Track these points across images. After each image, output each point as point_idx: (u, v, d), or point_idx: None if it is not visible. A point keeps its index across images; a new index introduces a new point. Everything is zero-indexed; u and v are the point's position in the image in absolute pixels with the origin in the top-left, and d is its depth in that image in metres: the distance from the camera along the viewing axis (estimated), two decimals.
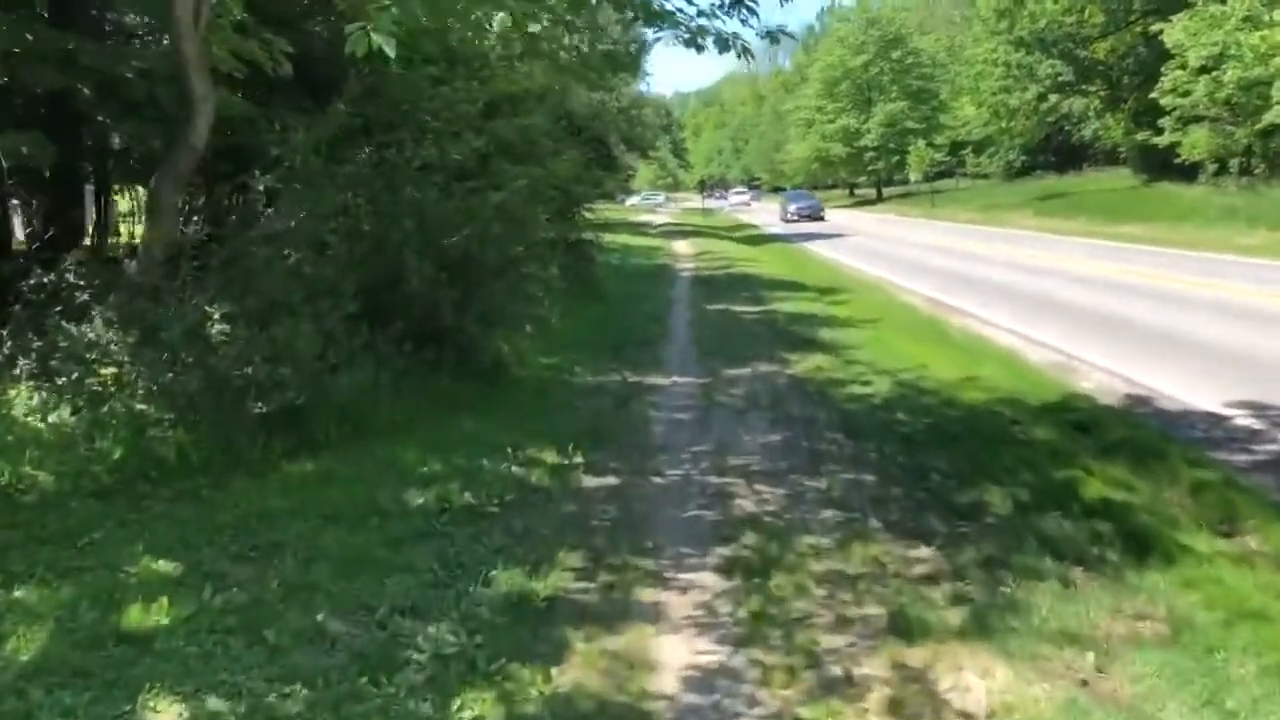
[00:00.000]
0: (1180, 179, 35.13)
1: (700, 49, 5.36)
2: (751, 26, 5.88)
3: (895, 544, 4.94)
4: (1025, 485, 5.73)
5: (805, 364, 9.77)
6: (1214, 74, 30.18)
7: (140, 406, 5.87)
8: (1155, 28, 33.22)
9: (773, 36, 6.71)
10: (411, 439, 6.69)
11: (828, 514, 5.42)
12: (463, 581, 4.46)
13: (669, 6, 5.37)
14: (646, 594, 4.44)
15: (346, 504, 5.39)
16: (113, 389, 5.97)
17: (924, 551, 4.84)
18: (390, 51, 4.51)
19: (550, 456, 6.48)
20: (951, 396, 8.09)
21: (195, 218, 10.65)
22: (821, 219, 47.33)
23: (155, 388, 5.92)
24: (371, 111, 8.22)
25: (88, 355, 6.00)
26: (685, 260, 26.63)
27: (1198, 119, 32.23)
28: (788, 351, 10.55)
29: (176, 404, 5.85)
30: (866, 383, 8.79)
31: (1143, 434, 6.83)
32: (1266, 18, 28.66)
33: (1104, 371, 9.22)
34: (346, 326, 6.76)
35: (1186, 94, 31.72)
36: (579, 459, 6.48)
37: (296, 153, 7.85)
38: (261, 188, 6.86)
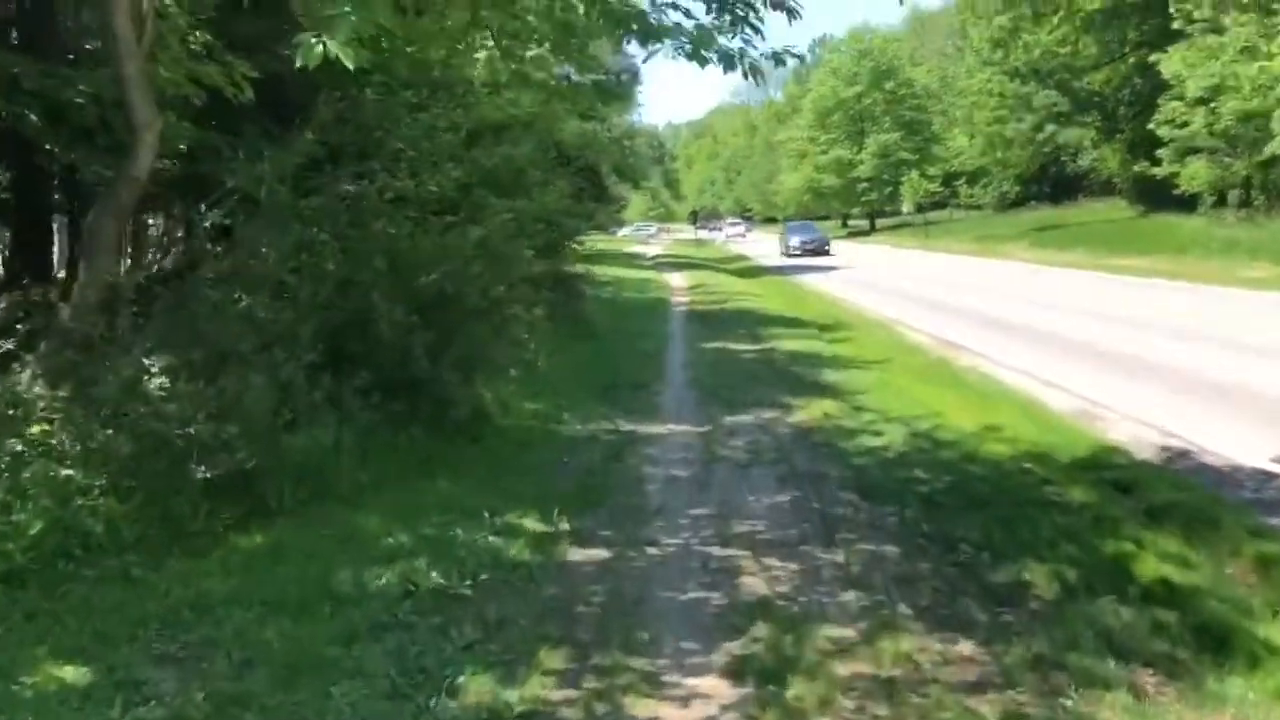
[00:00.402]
0: (1177, 210, 34.76)
1: (704, 62, 4.77)
2: (754, 47, 5.21)
3: (930, 637, 4.25)
4: (1070, 561, 5.05)
5: (810, 410, 9.10)
6: (1212, 105, 29.90)
7: (67, 471, 5.16)
8: (1153, 58, 32.92)
9: (778, 58, 6.12)
10: (377, 504, 6.00)
11: (848, 597, 4.74)
12: (423, 691, 3.76)
13: (667, 22, 4.77)
14: (641, 707, 3.74)
15: (296, 587, 4.68)
16: (38, 451, 5.27)
17: (965, 647, 4.16)
18: (349, 62, 3.88)
19: (532, 523, 5.80)
20: (972, 450, 7.42)
21: (164, 254, 10.07)
22: (827, 253, 43.23)
23: (85, 450, 5.23)
24: (339, 139, 7.58)
25: (10, 412, 5.31)
26: (679, 294, 26.03)
27: (1195, 150, 31.90)
28: (791, 396, 9.88)
29: (108, 469, 5.15)
30: (878, 433, 8.12)
31: (1191, 496, 6.15)
32: (1265, 49, 28.38)
33: (1132, 420, 8.57)
34: (306, 378, 6.10)
35: (1184, 125, 31.42)
36: (565, 525, 5.81)
37: (261, 183, 7.24)
38: (208, 224, 6.21)
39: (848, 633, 4.32)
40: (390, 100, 9.11)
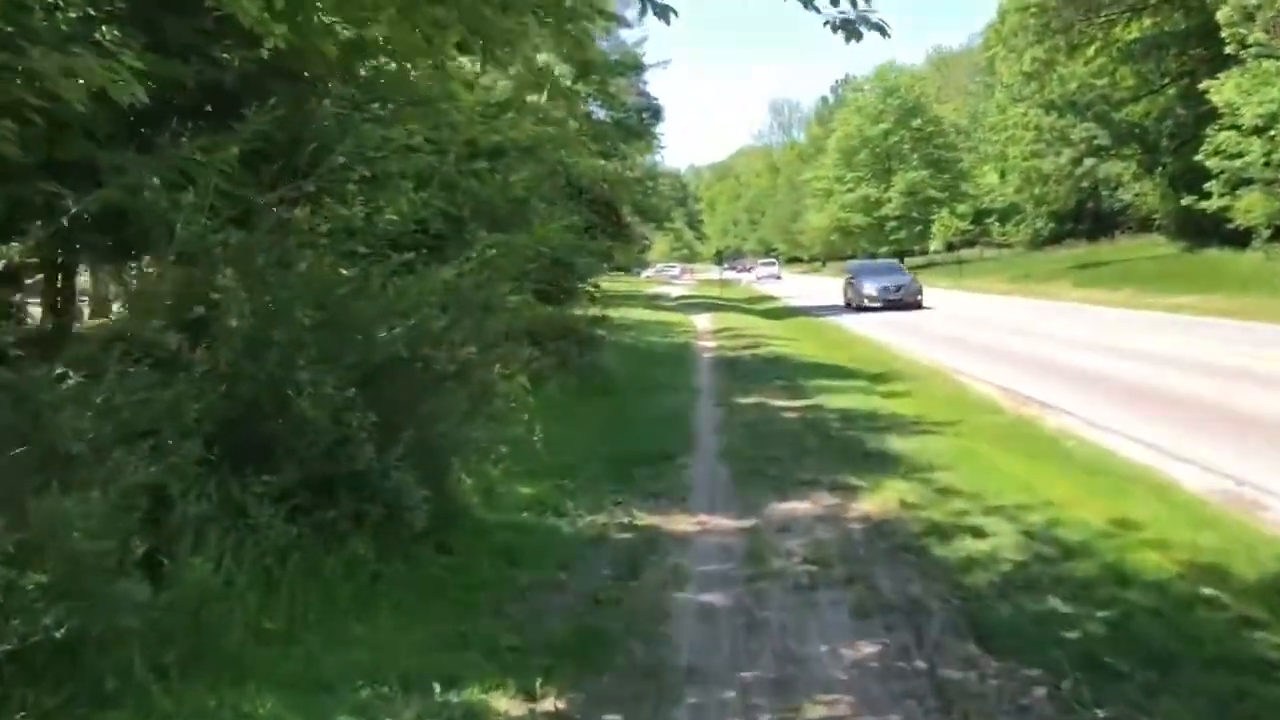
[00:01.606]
0: (1222, 245, 32.90)
1: None
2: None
3: None
4: None
5: (882, 494, 7.14)
6: (1270, 134, 28.05)
7: None
8: (1203, 86, 31.09)
9: (851, 28, 4.37)
10: (280, 667, 4.09)
11: None
12: None
13: None
14: None
15: None
16: None
17: None
18: None
19: (505, 702, 3.91)
20: (1116, 560, 5.45)
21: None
22: (918, 305, 31.02)
23: None
24: (266, 149, 5.78)
25: None
26: (706, 338, 24.13)
27: (1249, 182, 29.94)
28: (852, 472, 7.92)
29: None
30: (979, 532, 6.14)
31: None
32: None
33: None
34: (190, 482, 4.26)
35: (1237, 155, 29.52)
36: (551, 705, 3.91)
37: (172, 210, 5.49)
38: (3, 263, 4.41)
39: None
40: (353, 115, 7.40)
